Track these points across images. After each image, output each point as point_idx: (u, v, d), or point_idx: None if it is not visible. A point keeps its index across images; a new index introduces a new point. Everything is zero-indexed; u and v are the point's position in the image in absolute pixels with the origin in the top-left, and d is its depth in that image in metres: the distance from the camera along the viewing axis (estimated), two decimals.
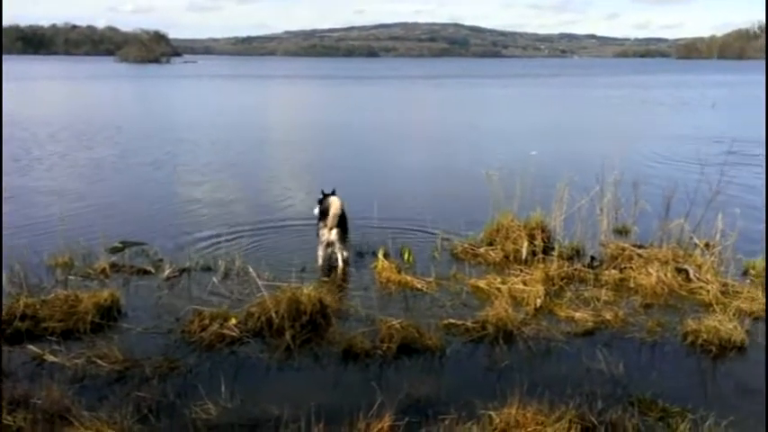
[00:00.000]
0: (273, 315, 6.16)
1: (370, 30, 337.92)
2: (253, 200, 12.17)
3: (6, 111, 29.19)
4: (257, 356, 5.75)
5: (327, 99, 45.84)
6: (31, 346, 5.68)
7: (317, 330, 6.18)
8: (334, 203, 8.23)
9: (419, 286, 7.47)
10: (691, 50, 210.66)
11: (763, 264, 7.87)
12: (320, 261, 8.26)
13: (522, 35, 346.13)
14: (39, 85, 55.29)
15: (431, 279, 7.53)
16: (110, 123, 24.77)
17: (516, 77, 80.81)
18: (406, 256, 8.46)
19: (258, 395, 5.05)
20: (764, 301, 6.85)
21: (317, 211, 8.61)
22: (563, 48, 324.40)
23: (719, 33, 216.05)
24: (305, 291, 6.43)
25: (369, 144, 20.81)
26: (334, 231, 8.13)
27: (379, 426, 4.42)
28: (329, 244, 8.22)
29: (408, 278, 7.64)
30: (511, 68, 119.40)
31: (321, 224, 8.25)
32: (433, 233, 9.38)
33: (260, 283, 6.45)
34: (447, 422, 4.54)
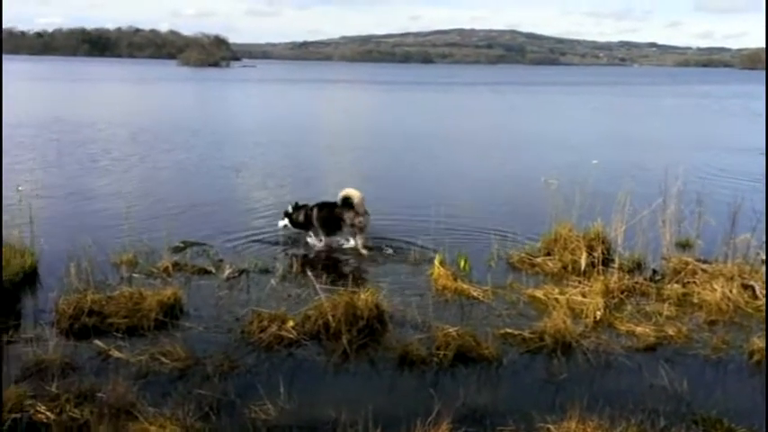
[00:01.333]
0: (330, 319, 6.21)
1: (426, 36, 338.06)
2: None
3: (83, 112, 30.34)
4: (314, 359, 5.80)
5: (386, 104, 46.02)
6: (97, 342, 5.86)
7: (374, 335, 6.21)
8: (355, 194, 9.00)
9: (475, 294, 7.43)
10: (755, 61, 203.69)
11: None
12: (321, 246, 9.14)
13: (580, 42, 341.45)
14: (110, 87, 57.17)
15: (487, 287, 7.48)
16: (185, 126, 25.28)
17: (575, 85, 79.72)
18: (462, 263, 8.42)
19: (315, 398, 5.11)
20: None
21: (283, 223, 9.55)
22: (622, 56, 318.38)
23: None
24: (362, 296, 6.46)
25: (427, 150, 20.78)
26: (365, 218, 9.03)
27: None
28: (361, 229, 8.96)
29: (464, 286, 7.60)
30: (569, 76, 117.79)
31: (350, 213, 8.99)
32: (489, 241, 9.32)
33: (318, 286, 6.52)
34: None
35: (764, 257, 8.04)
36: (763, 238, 8.14)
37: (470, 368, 5.71)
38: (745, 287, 7.52)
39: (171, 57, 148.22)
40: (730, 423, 4.79)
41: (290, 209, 9.51)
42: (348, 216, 9.01)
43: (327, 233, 9.25)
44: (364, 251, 8.96)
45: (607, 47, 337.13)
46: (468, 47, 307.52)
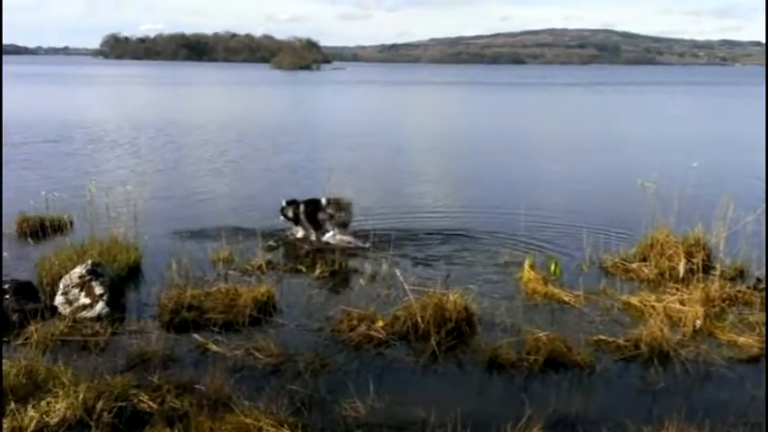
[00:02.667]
0: (419, 320, 6.24)
1: (516, 36, 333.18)
2: (411, 206, 12.28)
3: (191, 115, 31.65)
4: (403, 359, 5.84)
5: (477, 107, 45.70)
6: (196, 335, 6.11)
7: (462, 337, 6.20)
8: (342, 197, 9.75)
9: (566, 299, 7.28)
10: None
11: None
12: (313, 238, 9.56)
13: (677, 41, 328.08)
14: (212, 90, 59.41)
15: (579, 293, 7.31)
16: (286, 128, 25.99)
17: (673, 85, 76.85)
18: (552, 267, 8.26)
19: (404, 397, 5.14)
20: None
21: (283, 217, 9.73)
22: (723, 55, 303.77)
23: None
24: (451, 297, 6.46)
25: (521, 152, 20.56)
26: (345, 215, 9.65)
27: None
28: (340, 224, 9.57)
29: (555, 290, 7.47)
30: (667, 76, 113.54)
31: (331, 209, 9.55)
32: (581, 246, 9.11)
33: (407, 287, 6.55)
34: None
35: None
36: None
37: (561, 374, 5.61)
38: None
39: (264, 60, 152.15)
40: None
41: (283, 203, 9.74)
42: (329, 211, 9.51)
43: (314, 227, 9.54)
44: (339, 239, 9.43)
45: (707, 45, 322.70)
46: (559, 47, 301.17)
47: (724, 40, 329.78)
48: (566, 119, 34.64)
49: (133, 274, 7.85)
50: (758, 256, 8.17)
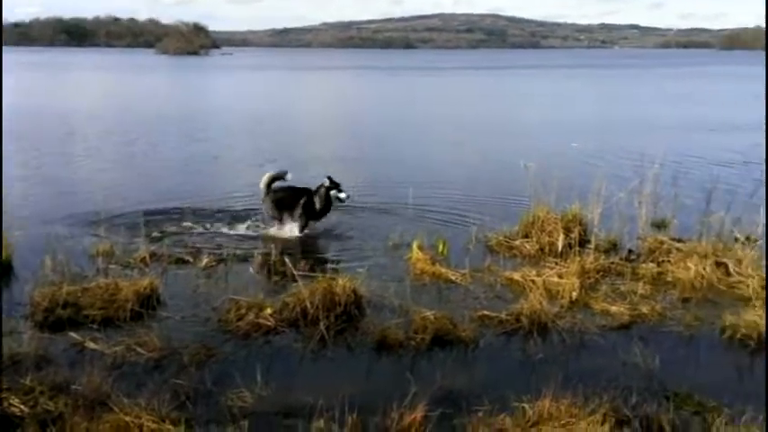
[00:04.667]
0: (308, 305, 6.22)
1: (407, 21, 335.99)
2: None
3: (68, 103, 29.97)
4: (292, 346, 5.82)
5: (367, 91, 45.88)
6: (72, 334, 5.82)
7: (352, 321, 6.24)
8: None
9: (453, 278, 7.46)
10: (734, 41, 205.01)
11: None
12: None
13: (561, 25, 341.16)
14: (92, 76, 56.44)
15: (465, 271, 7.51)
16: (164, 116, 25.18)
17: (558, 68, 79.91)
18: (440, 247, 8.45)
19: (293, 384, 5.13)
20: None
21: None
22: (603, 38, 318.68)
23: (764, 23, 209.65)
24: (340, 281, 6.48)
25: (407, 135, 20.80)
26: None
27: (412, 416, 4.45)
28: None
29: (443, 270, 7.64)
30: (551, 59, 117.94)
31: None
32: (467, 225, 9.38)
33: (296, 273, 6.52)
34: (480, 414, 4.55)
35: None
36: (737, 216, 8.21)
37: (447, 351, 5.75)
38: (719, 264, 7.61)
39: (149, 46, 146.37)
40: (701, 398, 4.87)
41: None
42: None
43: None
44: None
45: (588, 29, 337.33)
46: (449, 32, 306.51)
47: (603, 24, 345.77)
48: (454, 102, 35.32)
49: (3, 272, 7.39)
50: (629, 230, 8.65)
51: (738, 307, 6.58)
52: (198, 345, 5.65)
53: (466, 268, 7.55)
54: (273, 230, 9.21)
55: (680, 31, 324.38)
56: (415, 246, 8.18)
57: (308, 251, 8.51)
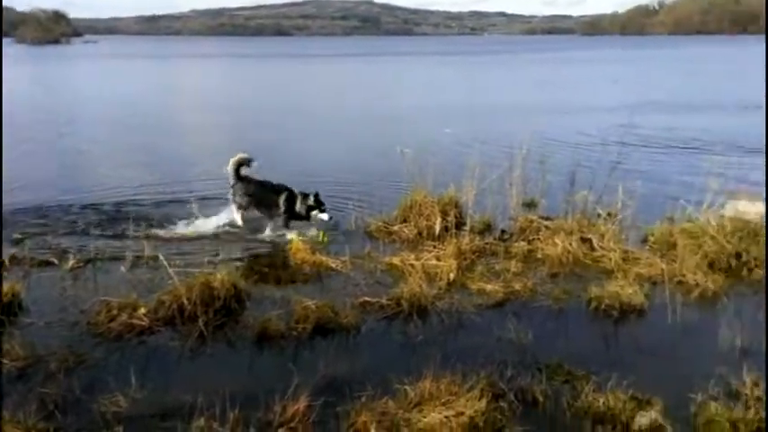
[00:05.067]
0: (185, 302, 6.03)
1: (279, 8, 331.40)
2: (163, 182, 11.74)
3: None
4: (169, 345, 5.62)
5: (242, 80, 44.92)
6: None
7: (232, 315, 6.11)
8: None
9: (334, 266, 7.47)
10: (595, 27, 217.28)
11: (662, 230, 8.23)
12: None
13: (433, 13, 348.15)
14: None
15: (345, 258, 7.54)
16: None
17: (430, 55, 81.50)
18: (320, 236, 8.45)
19: (170, 384, 4.96)
20: (662, 268, 7.18)
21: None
22: (473, 25, 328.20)
23: (621, 10, 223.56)
24: (218, 276, 6.32)
25: (281, 125, 20.56)
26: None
27: (296, 407, 4.42)
28: None
29: (323, 258, 7.63)
30: (424, 46, 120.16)
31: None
32: (347, 212, 9.41)
33: (170, 270, 6.30)
34: (363, 399, 4.58)
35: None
36: (599, 194, 8.68)
37: (330, 339, 5.76)
38: (584, 240, 8.05)
39: (5, 34, 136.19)
40: (570, 367, 5.13)
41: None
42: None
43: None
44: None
45: (459, 17, 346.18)
46: (323, 18, 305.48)
47: (473, 12, 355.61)
48: (330, 90, 35.34)
49: None
50: (502, 211, 8.97)
51: (602, 279, 6.99)
52: (66, 350, 5.35)
53: (346, 255, 7.58)
54: (230, 217, 9.01)
55: (544, 17, 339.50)
56: (293, 235, 8.12)
57: (184, 247, 8.22)
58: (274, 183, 9.08)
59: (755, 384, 4.76)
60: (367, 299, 6.47)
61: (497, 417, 4.41)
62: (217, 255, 7.85)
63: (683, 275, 7.04)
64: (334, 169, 13.06)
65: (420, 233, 8.61)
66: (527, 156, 9.30)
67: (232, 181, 8.98)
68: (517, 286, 6.82)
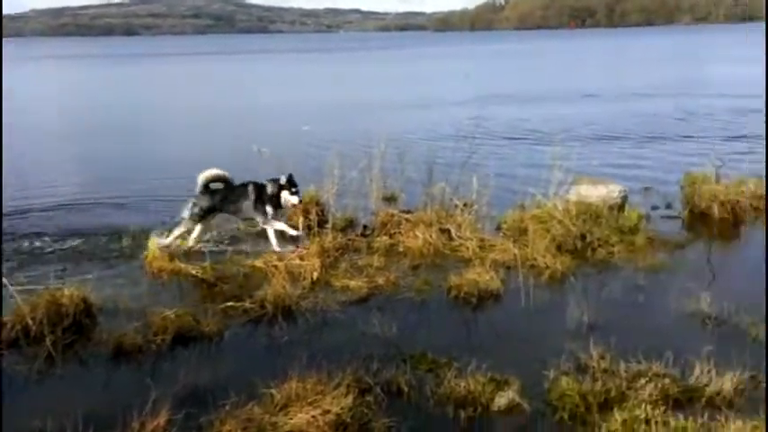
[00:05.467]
0: (30, 322, 5.62)
1: (128, 6, 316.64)
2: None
3: None
4: (14, 370, 5.22)
5: (91, 83, 42.51)
6: None
7: (83, 332, 5.77)
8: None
9: (194, 272, 7.23)
10: (446, 23, 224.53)
11: (514, 217, 8.62)
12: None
13: (287, 10, 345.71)
14: None
15: (206, 264, 7.32)
16: None
17: (286, 53, 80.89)
18: (180, 242, 8.15)
19: (16, 412, 4.61)
20: (515, 253, 7.52)
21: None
22: (329, 23, 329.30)
23: (470, 6, 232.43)
24: (66, 291, 5.94)
25: (131, 127, 19.72)
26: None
27: (155, 422, 4.24)
28: None
29: (182, 265, 7.37)
30: (280, 44, 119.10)
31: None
32: None
33: (12, 288, 5.85)
34: (227, 407, 4.46)
35: None
36: (455, 185, 8.95)
37: (191, 349, 5.58)
38: (443, 231, 8.29)
39: None
40: (434, 356, 5.27)
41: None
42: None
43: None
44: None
45: (314, 14, 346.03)
46: (174, 17, 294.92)
47: (328, 9, 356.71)
48: (183, 90, 34.28)
49: None
50: (363, 206, 9.05)
51: (461, 268, 7.21)
52: None
53: (207, 261, 7.37)
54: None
55: (398, 14, 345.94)
56: (150, 243, 7.79)
57: (25, 264, 7.65)
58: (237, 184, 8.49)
59: (602, 357, 5.09)
60: (230, 304, 6.32)
61: (364, 411, 4.44)
62: (65, 269, 7.37)
63: (535, 259, 7.41)
64: (189, 172, 12.52)
65: (282, 234, 8.51)
66: (385, 151, 9.46)
67: (198, 192, 8.19)
68: (380, 280, 6.92)
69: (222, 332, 5.83)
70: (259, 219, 8.17)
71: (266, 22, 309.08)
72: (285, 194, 8.09)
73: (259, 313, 6.18)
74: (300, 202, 8.32)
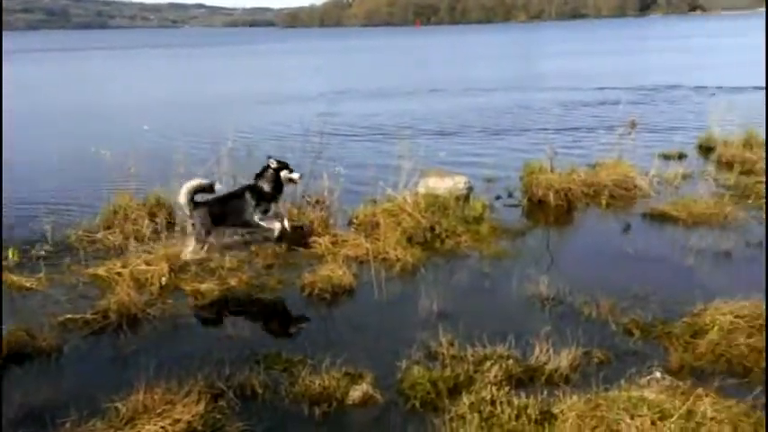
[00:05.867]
0: None
1: None
2: None
3: None
4: None
5: None
6: None
7: None
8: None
9: (29, 285, 6.74)
10: (295, 19, 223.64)
11: (366, 212, 8.73)
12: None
13: (127, 5, 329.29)
14: None
15: (41, 275, 6.84)
16: None
17: (126, 49, 77.18)
18: (11, 254, 7.57)
19: None
20: (367, 247, 7.63)
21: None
22: (173, 18, 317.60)
23: (318, 2, 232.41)
24: None
25: None
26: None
27: None
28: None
29: (13, 278, 6.84)
30: (120, 40, 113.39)
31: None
32: (42, 224, 8.52)
33: None
34: (68, 425, 4.20)
35: None
36: (306, 181, 8.93)
37: (27, 366, 5.20)
38: (296, 228, 8.24)
39: None
40: (288, 355, 5.23)
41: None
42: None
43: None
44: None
45: (157, 8, 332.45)
46: (4, 11, 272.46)
47: (172, 3, 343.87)
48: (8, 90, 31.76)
49: None
50: None
51: (314, 265, 7.21)
52: None
53: (41, 272, 6.89)
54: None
55: (246, 10, 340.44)
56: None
57: None
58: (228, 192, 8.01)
59: (450, 344, 5.27)
60: (69, 316, 5.95)
61: (217, 417, 4.33)
62: None
63: (386, 252, 7.55)
64: (24, 178, 11.74)
65: (127, 238, 8.12)
66: (233, 149, 9.29)
67: (188, 211, 7.55)
68: (233, 282, 6.78)
69: (61, 346, 5.47)
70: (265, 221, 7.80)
71: (105, 17, 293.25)
72: (285, 174, 7.89)
73: (102, 324, 5.86)
74: (301, 176, 8.20)
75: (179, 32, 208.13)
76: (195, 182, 7.63)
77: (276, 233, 7.76)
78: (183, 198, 7.53)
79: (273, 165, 7.87)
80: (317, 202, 8.77)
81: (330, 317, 6.27)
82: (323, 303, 6.45)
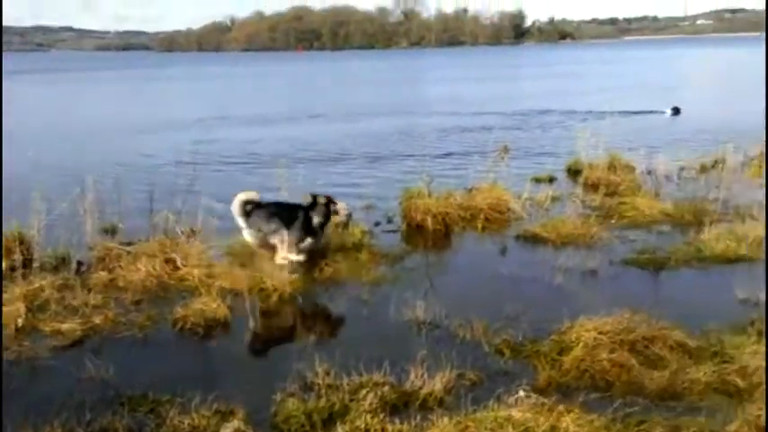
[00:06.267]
0: None
1: None
2: None
3: None
4: None
5: None
6: None
7: None
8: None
9: None
10: (172, 43, 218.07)
11: (242, 242, 8.52)
12: None
13: None
14: None
15: None
16: None
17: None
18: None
19: None
20: (241, 278, 7.46)
21: None
22: (40, 41, 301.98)
23: (195, 26, 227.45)
24: None
25: None
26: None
27: None
28: None
29: None
30: None
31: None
32: None
33: None
34: None
35: None
36: (179, 211, 8.65)
37: None
38: (168, 261, 7.94)
39: None
40: (155, 395, 4.99)
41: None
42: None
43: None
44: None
45: (21, 32, 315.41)
46: None
47: (37, 26, 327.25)
48: None
49: None
50: (78, 240, 8.33)
51: (187, 299, 6.95)
52: None
53: None
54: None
55: (118, 33, 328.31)
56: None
57: None
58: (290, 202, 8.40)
59: (327, 373, 5.22)
60: None
61: None
62: None
63: (263, 282, 7.40)
64: None
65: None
66: (99, 179, 8.88)
67: (242, 222, 7.94)
68: (97, 320, 6.42)
69: None
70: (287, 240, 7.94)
71: None
72: (339, 206, 8.28)
73: None
74: (350, 214, 8.56)
75: (45, 57, 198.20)
76: (247, 194, 8.08)
77: (285, 262, 7.88)
78: (235, 207, 7.95)
79: (322, 200, 8.18)
80: (193, 232, 8.52)
81: (202, 352, 6.07)
82: (195, 338, 6.23)
